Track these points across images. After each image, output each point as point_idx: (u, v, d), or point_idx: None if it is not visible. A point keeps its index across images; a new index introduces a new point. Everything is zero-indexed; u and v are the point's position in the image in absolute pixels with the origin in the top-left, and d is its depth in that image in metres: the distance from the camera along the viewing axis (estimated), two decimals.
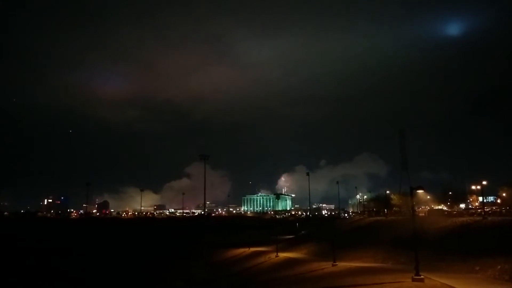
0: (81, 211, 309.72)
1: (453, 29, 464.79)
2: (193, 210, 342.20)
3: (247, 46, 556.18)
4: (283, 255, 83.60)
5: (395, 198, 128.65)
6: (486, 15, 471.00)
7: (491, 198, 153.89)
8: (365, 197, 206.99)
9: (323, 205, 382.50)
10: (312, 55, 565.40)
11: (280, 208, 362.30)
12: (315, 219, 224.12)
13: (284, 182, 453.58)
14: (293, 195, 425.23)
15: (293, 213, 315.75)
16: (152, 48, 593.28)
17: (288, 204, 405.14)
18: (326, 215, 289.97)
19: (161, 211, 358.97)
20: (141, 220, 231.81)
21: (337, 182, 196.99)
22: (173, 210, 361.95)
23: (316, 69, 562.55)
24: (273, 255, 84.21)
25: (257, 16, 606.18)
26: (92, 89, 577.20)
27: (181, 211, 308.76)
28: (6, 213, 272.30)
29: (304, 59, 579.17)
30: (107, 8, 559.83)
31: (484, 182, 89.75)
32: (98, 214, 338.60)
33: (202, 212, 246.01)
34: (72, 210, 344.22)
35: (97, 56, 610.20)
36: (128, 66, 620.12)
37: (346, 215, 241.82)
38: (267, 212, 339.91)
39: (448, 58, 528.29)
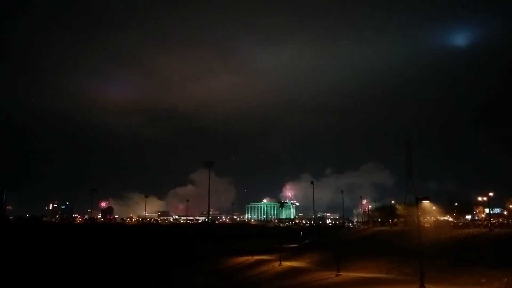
0: (86, 217, 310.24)
1: (459, 39, 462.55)
2: (197, 217, 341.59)
3: (251, 54, 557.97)
4: (286, 264, 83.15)
5: (400, 208, 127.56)
6: (492, 26, 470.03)
7: (497, 210, 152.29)
8: (370, 206, 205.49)
9: (328, 214, 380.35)
10: (318, 64, 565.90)
11: (284, 217, 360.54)
12: (319, 228, 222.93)
13: (288, 190, 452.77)
14: (297, 204, 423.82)
15: (297, 221, 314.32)
16: (157, 54, 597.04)
17: (292, 213, 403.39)
18: (331, 224, 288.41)
19: (165, 218, 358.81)
20: (145, 226, 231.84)
21: (342, 191, 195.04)
22: (177, 216, 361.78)
23: (321, 78, 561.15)
24: (276, 264, 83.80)
25: (262, 24, 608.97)
26: (97, 95, 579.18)
27: (185, 217, 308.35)
28: (11, 217, 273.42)
29: (309, 68, 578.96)
30: (111, 13, 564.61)
31: (491, 194, 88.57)
32: (102, 219, 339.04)
33: (206, 219, 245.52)
34: (77, 215, 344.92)
35: (102, 62, 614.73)
36: (132, 73, 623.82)
37: (350, 224, 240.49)
38: (271, 220, 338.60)
39: (454, 68, 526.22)
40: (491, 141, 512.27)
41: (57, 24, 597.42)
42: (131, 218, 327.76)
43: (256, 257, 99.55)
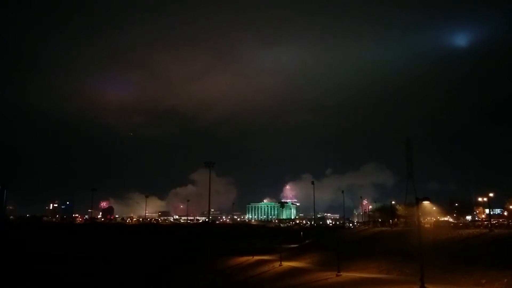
0: (86, 216, 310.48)
1: (460, 39, 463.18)
2: (198, 217, 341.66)
3: (253, 54, 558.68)
4: (287, 264, 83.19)
5: (400, 209, 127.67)
6: (493, 26, 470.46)
7: (497, 211, 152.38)
8: (370, 207, 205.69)
9: (328, 214, 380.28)
10: (319, 64, 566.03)
11: (284, 217, 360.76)
12: (320, 228, 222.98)
13: (289, 191, 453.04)
14: (298, 204, 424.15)
15: (297, 222, 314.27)
16: (157, 54, 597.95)
17: (293, 213, 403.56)
18: (331, 224, 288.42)
19: (165, 218, 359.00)
20: (145, 226, 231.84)
21: (343, 191, 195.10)
22: (177, 216, 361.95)
23: (322, 78, 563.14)
24: (277, 264, 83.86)
25: (263, 25, 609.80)
26: (97, 95, 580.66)
27: (185, 218, 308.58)
28: (11, 217, 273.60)
29: (311, 68, 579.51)
30: (111, 13, 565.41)
31: (491, 194, 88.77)
32: (102, 219, 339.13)
33: (207, 219, 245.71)
34: (77, 215, 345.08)
35: (102, 62, 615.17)
36: (133, 73, 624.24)
37: (351, 225, 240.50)
38: (271, 221, 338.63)
39: (455, 68, 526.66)
40: (491, 141, 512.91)
41: (57, 24, 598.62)
42: (131, 218, 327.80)
43: (256, 257, 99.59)
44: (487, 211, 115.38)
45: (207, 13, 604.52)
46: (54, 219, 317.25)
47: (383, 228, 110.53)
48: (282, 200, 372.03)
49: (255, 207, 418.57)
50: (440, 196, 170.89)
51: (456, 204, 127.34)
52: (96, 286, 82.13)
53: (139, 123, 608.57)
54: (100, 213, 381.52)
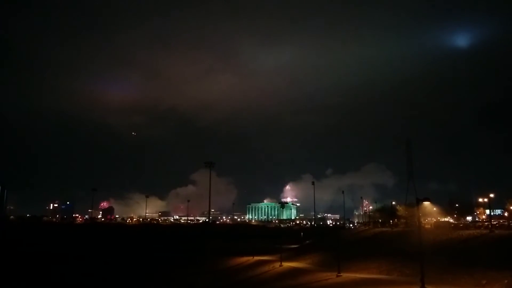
0: (86, 216, 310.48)
1: (460, 40, 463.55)
2: (198, 217, 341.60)
3: (252, 54, 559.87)
4: (287, 264, 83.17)
5: (401, 209, 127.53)
6: (493, 26, 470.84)
7: (498, 211, 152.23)
8: (370, 207, 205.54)
9: (328, 215, 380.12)
10: (319, 64, 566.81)
11: (285, 217, 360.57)
12: (320, 228, 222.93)
13: (289, 191, 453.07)
14: (298, 204, 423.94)
15: (297, 222, 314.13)
16: (157, 55, 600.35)
17: (293, 213, 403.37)
18: (331, 225, 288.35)
19: (166, 218, 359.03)
20: (145, 226, 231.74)
21: (343, 192, 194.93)
22: (177, 216, 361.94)
23: (322, 78, 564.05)
24: (277, 265, 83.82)
25: (262, 25, 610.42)
26: (97, 95, 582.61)
27: (186, 218, 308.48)
28: (12, 217, 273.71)
29: (311, 68, 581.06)
30: (110, 13, 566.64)
31: (492, 195, 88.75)
32: (102, 219, 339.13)
33: (207, 220, 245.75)
34: (77, 215, 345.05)
35: (102, 62, 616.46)
36: (133, 73, 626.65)
37: (351, 225, 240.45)
38: (271, 221, 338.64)
39: (455, 69, 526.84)
40: (492, 141, 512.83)
41: (57, 24, 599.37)
42: (131, 218, 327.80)
43: (256, 258, 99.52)
44: (487, 211, 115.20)
45: (207, 14, 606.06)
46: (54, 219, 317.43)
47: (384, 229, 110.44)
48: (283, 200, 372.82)
49: (255, 208, 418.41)
50: (440, 197, 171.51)
51: (457, 205, 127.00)
52: (96, 286, 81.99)
53: (139, 123, 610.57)
54: (100, 213, 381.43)
